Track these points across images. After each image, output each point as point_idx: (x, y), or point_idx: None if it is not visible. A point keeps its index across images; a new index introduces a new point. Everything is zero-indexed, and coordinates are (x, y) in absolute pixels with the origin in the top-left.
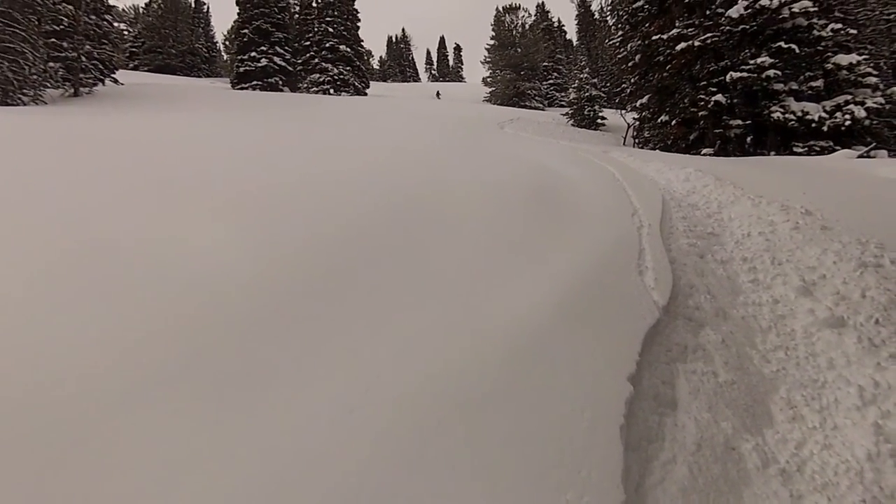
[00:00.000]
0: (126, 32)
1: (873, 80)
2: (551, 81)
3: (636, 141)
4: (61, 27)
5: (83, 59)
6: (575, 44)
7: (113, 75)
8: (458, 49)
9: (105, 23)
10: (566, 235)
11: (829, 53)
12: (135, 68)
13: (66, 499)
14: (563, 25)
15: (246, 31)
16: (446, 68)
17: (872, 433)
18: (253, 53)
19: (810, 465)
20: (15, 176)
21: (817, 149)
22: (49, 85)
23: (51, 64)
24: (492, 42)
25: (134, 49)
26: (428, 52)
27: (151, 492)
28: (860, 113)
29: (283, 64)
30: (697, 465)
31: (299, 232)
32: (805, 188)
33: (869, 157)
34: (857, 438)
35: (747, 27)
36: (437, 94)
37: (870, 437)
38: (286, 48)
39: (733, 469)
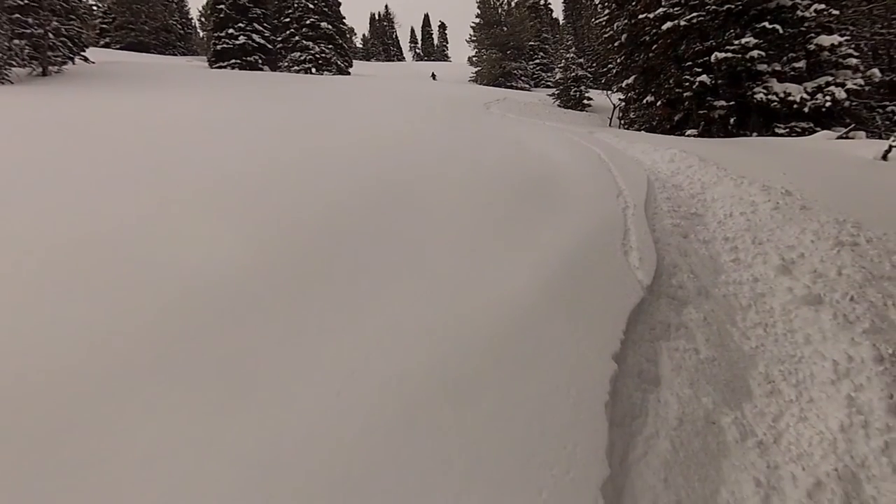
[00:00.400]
0: (95, 8)
1: (854, 61)
2: (537, 61)
3: (622, 122)
4: (25, 2)
5: (50, 35)
6: (561, 23)
7: (83, 53)
8: (442, 27)
9: None
10: (552, 217)
11: (812, 34)
12: (106, 46)
13: (53, 488)
14: (550, 4)
15: (222, 6)
16: (431, 47)
17: (845, 405)
18: (230, 31)
19: (786, 437)
20: None
21: (798, 130)
22: (15, 64)
23: (16, 41)
24: (477, 20)
25: (104, 25)
26: (412, 31)
27: (137, 476)
28: (840, 94)
29: (263, 42)
30: (679, 439)
31: (282, 217)
32: (785, 169)
33: (848, 138)
34: (831, 411)
35: (732, 7)
36: (433, 75)
37: (843, 410)
38: (265, 25)
39: (713, 442)
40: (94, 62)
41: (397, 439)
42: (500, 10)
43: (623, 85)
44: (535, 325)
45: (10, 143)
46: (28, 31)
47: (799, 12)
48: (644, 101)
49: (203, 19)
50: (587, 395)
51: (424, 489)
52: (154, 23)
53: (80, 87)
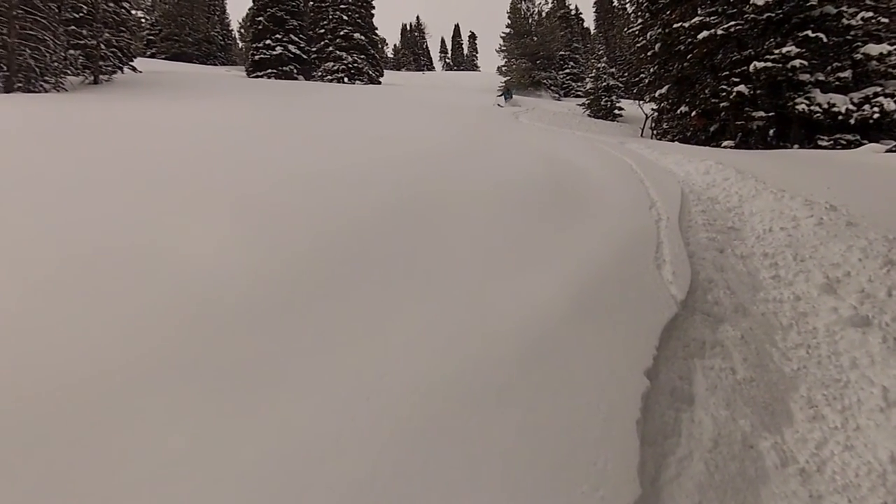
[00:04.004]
0: (143, 20)
1: None
2: (567, 71)
3: (654, 132)
4: (81, 15)
5: (102, 46)
6: (592, 32)
7: (131, 63)
8: (472, 37)
9: (123, 10)
10: (582, 228)
11: (859, 43)
12: (152, 56)
13: (70, 491)
14: (581, 13)
15: (261, 18)
16: (461, 57)
17: None
18: (268, 41)
19: (830, 466)
20: (32, 170)
21: (843, 142)
22: (69, 72)
23: (71, 51)
24: (507, 30)
25: (151, 37)
26: (442, 41)
27: (167, 475)
28: (890, 105)
29: (298, 52)
30: (714, 461)
31: (311, 227)
32: (830, 183)
33: None
34: (881, 440)
35: (773, 15)
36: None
37: (893, 439)
38: (301, 36)
39: (751, 467)
40: (141, 71)
41: (426, 447)
42: (530, 21)
43: (656, 95)
44: (565, 337)
45: (53, 149)
46: (82, 42)
47: (845, 20)
48: (678, 112)
49: (243, 31)
50: (618, 411)
51: (451, 499)
52: (197, 34)
53: (126, 94)
